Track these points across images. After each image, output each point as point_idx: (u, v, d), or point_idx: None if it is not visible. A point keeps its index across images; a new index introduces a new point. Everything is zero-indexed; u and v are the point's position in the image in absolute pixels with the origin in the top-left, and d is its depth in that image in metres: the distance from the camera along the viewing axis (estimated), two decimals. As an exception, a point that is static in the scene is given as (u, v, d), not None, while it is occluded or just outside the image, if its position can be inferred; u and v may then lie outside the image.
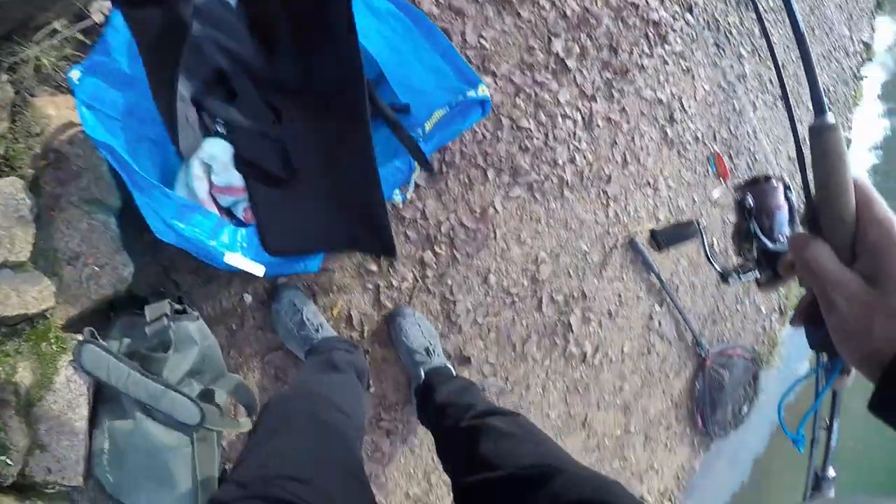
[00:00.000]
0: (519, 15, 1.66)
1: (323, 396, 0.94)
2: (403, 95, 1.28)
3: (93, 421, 1.02)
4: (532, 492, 0.67)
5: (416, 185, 1.49)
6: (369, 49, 1.18)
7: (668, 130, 2.04)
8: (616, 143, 1.83)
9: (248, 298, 1.34)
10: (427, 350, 1.42)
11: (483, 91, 1.18)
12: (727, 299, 2.29)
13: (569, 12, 1.80)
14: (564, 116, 1.66)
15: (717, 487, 2.59)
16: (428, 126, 1.20)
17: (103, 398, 1.04)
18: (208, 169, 1.15)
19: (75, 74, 0.94)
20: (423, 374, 1.38)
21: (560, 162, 1.65)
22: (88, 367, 0.97)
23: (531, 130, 1.60)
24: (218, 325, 1.31)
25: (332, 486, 0.70)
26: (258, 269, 1.05)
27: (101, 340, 0.99)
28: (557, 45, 1.72)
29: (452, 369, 1.44)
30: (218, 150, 1.12)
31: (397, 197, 1.46)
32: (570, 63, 1.74)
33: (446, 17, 1.55)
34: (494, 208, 1.57)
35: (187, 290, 1.27)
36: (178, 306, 1.13)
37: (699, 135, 2.23)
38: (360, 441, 0.95)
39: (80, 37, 1.06)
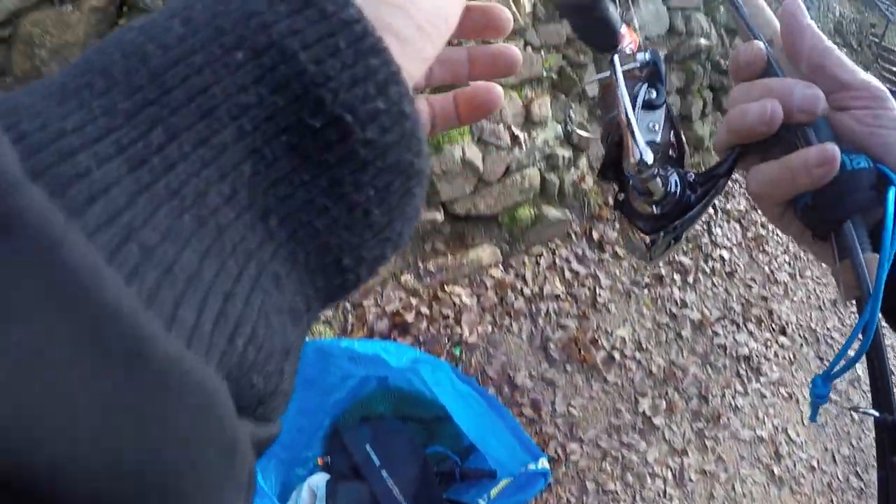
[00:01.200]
0: (605, 380, 1.96)
1: None
2: (492, 463, 1.58)
3: None
4: None
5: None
6: (459, 423, 1.51)
7: (775, 468, 2.06)
8: (713, 496, 1.89)
9: None
10: None
11: (543, 464, 1.41)
12: None
13: (654, 369, 2.06)
14: (653, 475, 1.81)
15: None
16: (493, 492, 1.44)
17: None
18: (314, 496, 1.49)
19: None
20: None
21: (651, 525, 1.76)
22: None
23: (618, 493, 1.77)
24: None
25: None
26: None
27: None
28: (644, 404, 1.95)
29: None
30: (324, 483, 1.48)
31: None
32: (658, 420, 1.94)
33: (538, 388, 1.89)
34: (588, 573, 1.68)
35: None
36: None
37: (814, 462, 2.19)
38: None
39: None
